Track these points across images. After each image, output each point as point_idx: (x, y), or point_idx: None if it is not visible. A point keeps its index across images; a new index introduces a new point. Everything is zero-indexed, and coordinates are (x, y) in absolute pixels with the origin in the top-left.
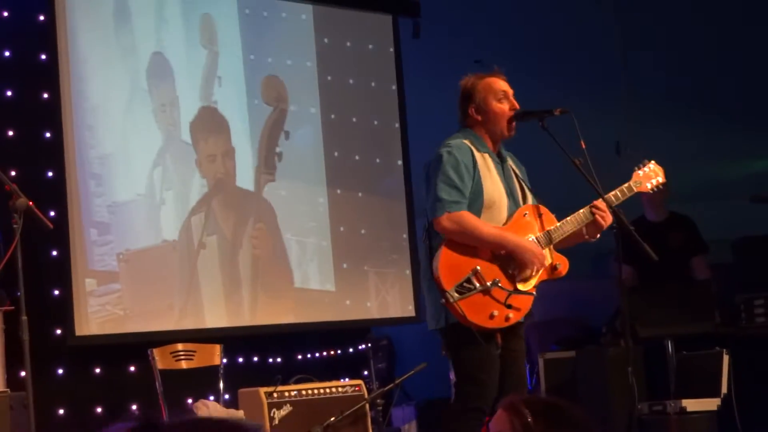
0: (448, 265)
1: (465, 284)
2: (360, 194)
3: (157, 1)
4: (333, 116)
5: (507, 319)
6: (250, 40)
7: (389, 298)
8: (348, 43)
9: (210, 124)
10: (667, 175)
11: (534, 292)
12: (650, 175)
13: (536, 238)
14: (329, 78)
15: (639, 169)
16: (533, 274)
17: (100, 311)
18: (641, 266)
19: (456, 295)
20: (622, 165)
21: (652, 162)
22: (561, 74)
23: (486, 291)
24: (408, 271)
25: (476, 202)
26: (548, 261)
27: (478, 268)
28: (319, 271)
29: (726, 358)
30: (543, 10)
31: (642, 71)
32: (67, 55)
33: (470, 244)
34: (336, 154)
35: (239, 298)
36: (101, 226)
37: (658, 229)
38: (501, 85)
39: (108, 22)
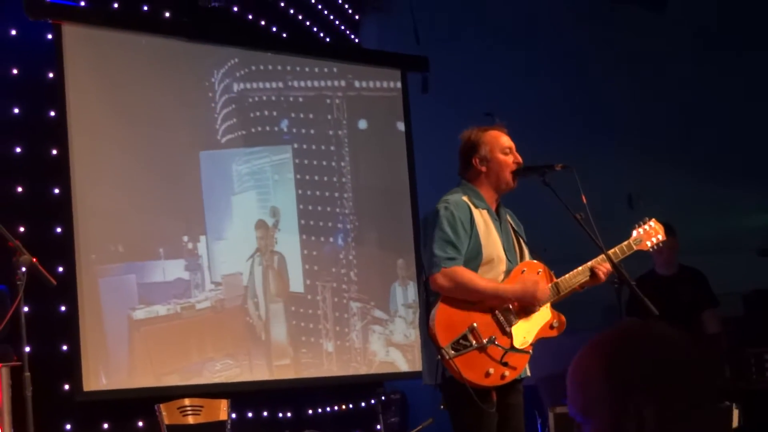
0: (445, 321)
1: (461, 341)
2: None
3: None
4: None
5: (503, 377)
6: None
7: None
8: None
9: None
10: (679, 227)
11: (530, 351)
12: (650, 233)
13: None
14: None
15: (639, 227)
16: (540, 307)
17: (111, 363)
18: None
19: (452, 352)
20: (635, 217)
21: (653, 220)
22: (573, 126)
23: (482, 348)
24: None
25: (475, 259)
26: (548, 317)
27: (475, 325)
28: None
29: (736, 413)
30: (555, 63)
31: (654, 124)
32: (74, 112)
33: (468, 300)
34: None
35: (255, 352)
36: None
37: (668, 282)
38: (505, 139)
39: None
